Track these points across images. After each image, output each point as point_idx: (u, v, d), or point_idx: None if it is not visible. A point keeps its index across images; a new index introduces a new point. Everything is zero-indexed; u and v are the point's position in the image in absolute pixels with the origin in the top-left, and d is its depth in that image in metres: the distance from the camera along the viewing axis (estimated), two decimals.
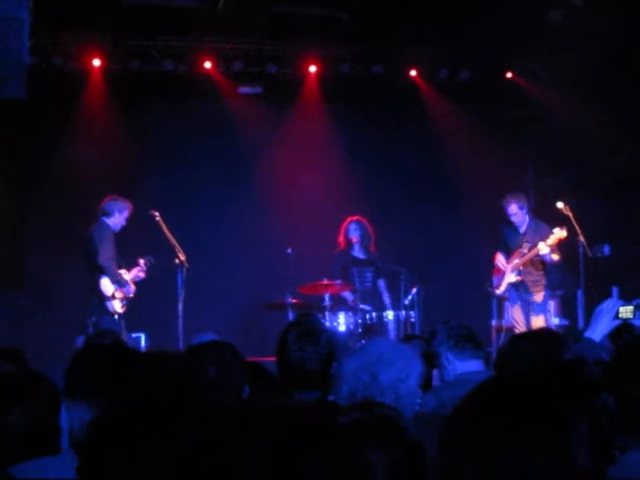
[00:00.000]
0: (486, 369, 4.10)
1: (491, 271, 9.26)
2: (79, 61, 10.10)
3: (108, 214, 8.51)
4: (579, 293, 9.29)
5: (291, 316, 8.93)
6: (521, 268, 8.94)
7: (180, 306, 8.68)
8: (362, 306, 9.28)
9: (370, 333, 8.91)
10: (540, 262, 8.92)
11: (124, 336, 8.05)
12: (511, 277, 8.98)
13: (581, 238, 8.76)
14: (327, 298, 9.12)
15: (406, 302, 9.26)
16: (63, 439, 2.59)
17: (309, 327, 3.20)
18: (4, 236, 10.35)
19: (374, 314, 9.16)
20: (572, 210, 8.71)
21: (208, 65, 10.46)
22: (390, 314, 9.19)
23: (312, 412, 1.32)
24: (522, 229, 9.01)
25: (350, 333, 8.92)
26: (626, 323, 3.41)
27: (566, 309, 9.60)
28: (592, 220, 9.19)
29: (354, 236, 9.53)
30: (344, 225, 9.62)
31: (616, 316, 3.35)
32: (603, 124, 9.48)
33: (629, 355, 2.46)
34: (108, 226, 8.47)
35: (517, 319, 8.96)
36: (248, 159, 10.91)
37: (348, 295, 9.44)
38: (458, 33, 9.97)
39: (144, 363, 2.61)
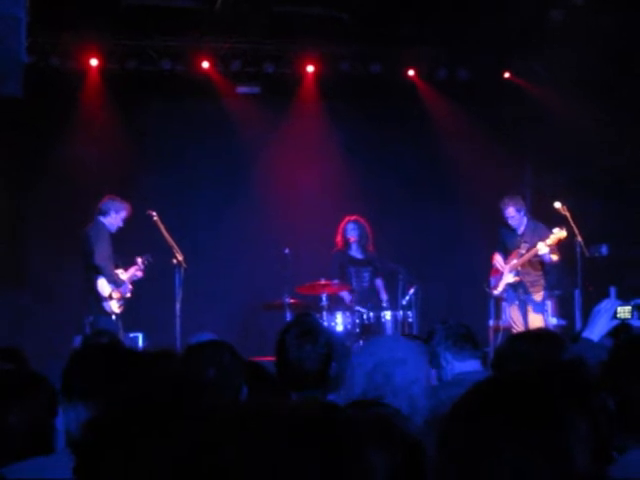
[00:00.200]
0: (484, 369, 4.09)
1: (489, 271, 9.26)
2: (77, 60, 10.10)
3: (104, 213, 8.50)
4: (577, 293, 9.29)
5: (289, 316, 8.93)
6: (519, 269, 8.94)
7: (178, 306, 8.68)
8: (358, 308, 9.26)
9: (368, 333, 8.91)
10: (539, 262, 8.93)
11: (121, 336, 8.04)
12: (509, 278, 8.98)
13: (579, 238, 8.76)
14: (325, 298, 9.12)
15: (404, 302, 9.26)
16: (59, 440, 2.59)
17: (308, 326, 3.19)
18: (3, 236, 10.34)
19: (371, 314, 9.15)
20: (570, 210, 8.71)
21: (206, 65, 10.45)
22: (388, 314, 9.18)
23: (311, 412, 1.31)
24: (520, 230, 9.01)
25: (348, 333, 8.91)
26: (624, 323, 3.40)
27: (563, 309, 9.59)
28: (590, 220, 9.19)
29: (352, 236, 9.53)
30: (342, 225, 9.62)
31: (614, 316, 3.34)
32: (603, 123, 9.49)
33: (627, 354, 2.46)
34: (104, 225, 8.46)
35: (515, 319, 8.96)
36: (246, 159, 10.90)
37: (346, 295, 9.44)
38: (458, 33, 9.97)
39: (141, 363, 2.61)
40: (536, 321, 8.82)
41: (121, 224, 8.57)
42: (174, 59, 10.34)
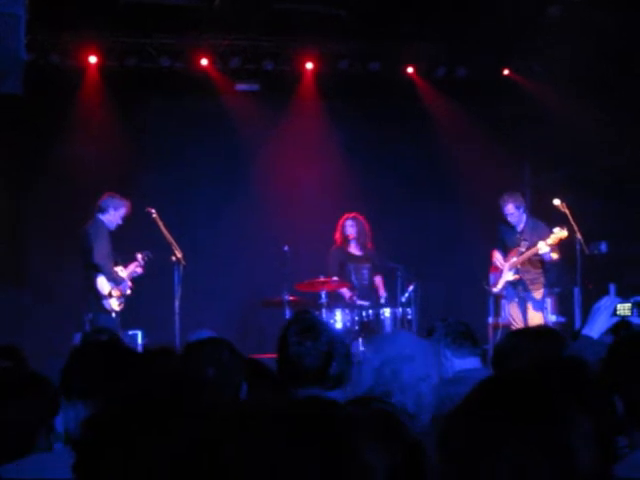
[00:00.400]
0: (483, 366, 4.09)
1: (488, 269, 9.26)
2: (76, 58, 10.09)
3: (103, 210, 8.49)
4: (576, 290, 9.28)
5: (288, 313, 8.94)
6: (519, 266, 8.94)
7: (177, 303, 8.68)
8: (360, 302, 9.28)
9: (367, 330, 8.92)
10: (538, 260, 8.92)
11: (121, 334, 8.04)
12: (509, 275, 8.98)
13: (578, 235, 8.75)
14: (324, 295, 9.12)
15: (403, 299, 9.26)
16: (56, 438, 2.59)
17: (310, 323, 3.19)
18: (3, 235, 10.33)
19: (371, 311, 9.16)
20: (569, 207, 8.71)
21: (205, 62, 10.44)
22: (387, 311, 9.19)
23: (310, 410, 1.31)
24: (519, 227, 9.00)
25: (347, 330, 8.92)
26: (624, 320, 3.40)
27: (563, 306, 9.59)
28: (589, 217, 9.19)
29: (350, 233, 9.54)
30: (340, 222, 9.63)
31: (614, 313, 3.34)
32: (602, 122, 9.48)
33: (626, 352, 2.45)
34: (103, 223, 8.44)
35: (514, 316, 8.96)
36: (245, 156, 10.90)
37: (345, 292, 9.45)
38: (457, 31, 9.97)
39: (140, 360, 2.60)
40: (536, 318, 8.82)
41: (120, 222, 8.55)
42: (173, 56, 10.33)
